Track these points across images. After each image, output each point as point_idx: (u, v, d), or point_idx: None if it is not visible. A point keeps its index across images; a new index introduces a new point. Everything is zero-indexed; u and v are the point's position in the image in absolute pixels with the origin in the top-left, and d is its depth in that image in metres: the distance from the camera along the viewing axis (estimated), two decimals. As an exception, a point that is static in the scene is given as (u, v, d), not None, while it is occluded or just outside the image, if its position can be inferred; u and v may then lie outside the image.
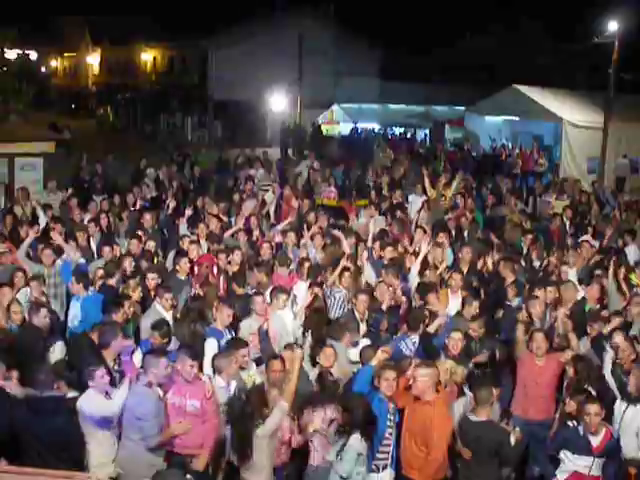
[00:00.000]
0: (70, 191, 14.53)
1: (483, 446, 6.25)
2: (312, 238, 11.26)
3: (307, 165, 19.93)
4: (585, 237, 12.54)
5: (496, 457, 6.29)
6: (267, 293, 8.79)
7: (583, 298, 9.29)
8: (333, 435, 6.10)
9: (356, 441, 5.93)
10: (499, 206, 15.36)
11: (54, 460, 5.68)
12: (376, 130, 35.11)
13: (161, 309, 8.36)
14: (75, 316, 8.65)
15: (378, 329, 8.49)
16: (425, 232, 11.63)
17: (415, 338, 7.85)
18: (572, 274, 10.07)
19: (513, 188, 17.92)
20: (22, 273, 9.08)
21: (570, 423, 6.41)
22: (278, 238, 11.65)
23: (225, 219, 12.78)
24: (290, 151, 29.86)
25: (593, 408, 6.27)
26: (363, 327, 8.47)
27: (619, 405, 6.79)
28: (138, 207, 13.53)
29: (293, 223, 12.74)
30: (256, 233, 12.01)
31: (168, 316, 8.27)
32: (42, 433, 5.81)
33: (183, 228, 11.97)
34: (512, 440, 6.26)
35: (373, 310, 8.69)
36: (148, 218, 12.00)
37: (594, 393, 6.83)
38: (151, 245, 10.85)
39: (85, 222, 12.04)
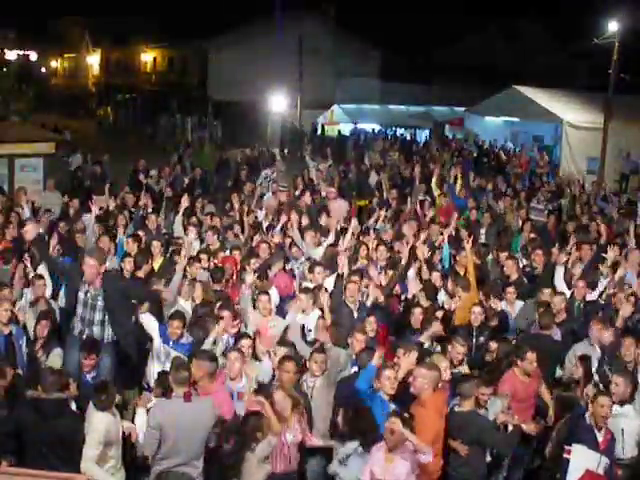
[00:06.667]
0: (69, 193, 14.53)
1: (467, 435, 6.41)
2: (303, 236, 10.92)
3: (313, 166, 19.74)
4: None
5: (480, 444, 6.45)
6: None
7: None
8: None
9: (357, 449, 6.03)
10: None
11: (57, 462, 5.69)
12: (376, 130, 35.12)
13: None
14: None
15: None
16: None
17: None
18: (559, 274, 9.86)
19: (513, 188, 17.87)
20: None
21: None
22: (277, 238, 11.54)
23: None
24: (288, 151, 29.84)
25: (604, 400, 6.34)
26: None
27: None
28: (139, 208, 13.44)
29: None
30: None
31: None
32: (45, 435, 5.81)
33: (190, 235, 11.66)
34: (509, 428, 6.49)
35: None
36: (153, 219, 11.88)
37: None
38: (156, 246, 10.55)
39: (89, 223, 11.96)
